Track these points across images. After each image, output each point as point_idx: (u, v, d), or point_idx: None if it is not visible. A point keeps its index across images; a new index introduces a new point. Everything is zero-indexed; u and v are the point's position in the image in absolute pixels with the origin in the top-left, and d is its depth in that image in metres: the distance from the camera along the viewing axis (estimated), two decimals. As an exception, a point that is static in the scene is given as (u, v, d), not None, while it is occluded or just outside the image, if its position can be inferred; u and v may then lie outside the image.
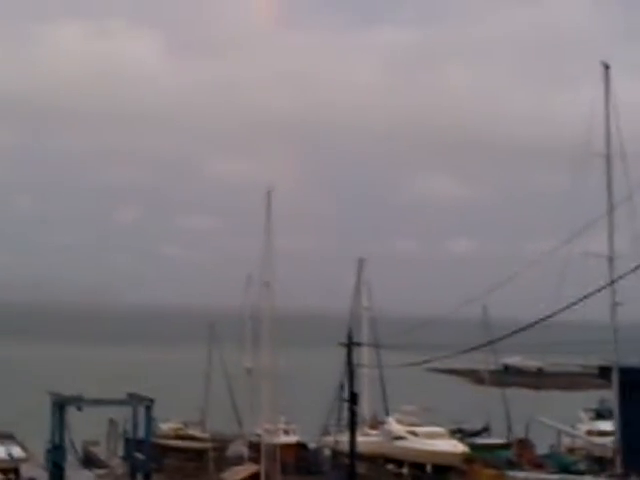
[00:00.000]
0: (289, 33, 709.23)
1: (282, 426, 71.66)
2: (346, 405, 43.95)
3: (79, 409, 61.23)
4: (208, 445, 71.99)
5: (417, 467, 68.69)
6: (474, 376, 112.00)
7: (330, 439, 70.12)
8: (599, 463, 63.32)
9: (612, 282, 50.36)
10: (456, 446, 68.91)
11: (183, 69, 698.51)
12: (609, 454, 58.44)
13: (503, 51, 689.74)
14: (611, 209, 53.16)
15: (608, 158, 54.92)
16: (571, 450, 71.33)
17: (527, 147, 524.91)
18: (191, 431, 77.34)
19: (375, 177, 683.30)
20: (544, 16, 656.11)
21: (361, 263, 77.76)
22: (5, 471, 62.64)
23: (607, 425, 65.98)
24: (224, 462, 69.89)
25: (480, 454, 68.51)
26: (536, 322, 30.38)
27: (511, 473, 58.03)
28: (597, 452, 65.92)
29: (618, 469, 54.70)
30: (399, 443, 70.93)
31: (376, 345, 70.52)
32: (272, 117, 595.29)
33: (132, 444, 65.05)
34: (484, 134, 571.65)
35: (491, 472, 59.50)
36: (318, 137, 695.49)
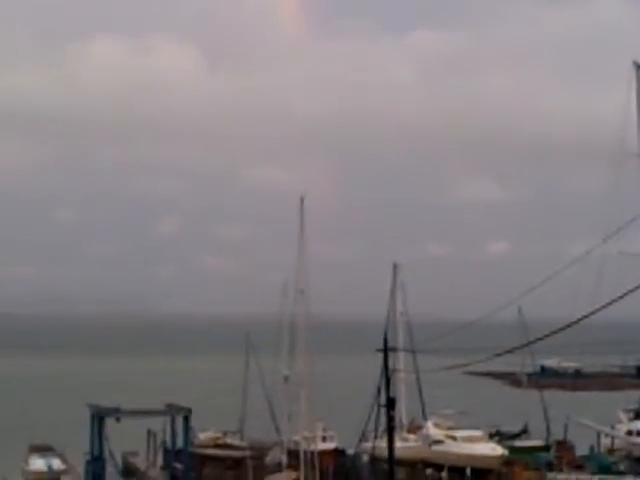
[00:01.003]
0: (322, 41, 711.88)
1: (320, 433, 71.61)
2: (383, 410, 43.91)
3: (117, 420, 61.60)
4: (246, 453, 72.06)
5: (456, 471, 68.44)
6: (511, 378, 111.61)
7: (368, 445, 70.02)
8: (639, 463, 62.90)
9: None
10: (495, 449, 68.63)
11: (220, 82, 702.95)
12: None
13: (539, 53, 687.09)
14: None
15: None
16: (611, 451, 70.89)
17: (564, 147, 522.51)
18: (229, 440, 77.49)
19: (410, 182, 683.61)
20: (579, 17, 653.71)
21: (396, 268, 77.66)
22: (46, 483, 63.09)
23: (647, 425, 65.55)
24: (263, 470, 69.95)
25: (519, 457, 68.20)
26: (573, 323, 30.24)
27: (551, 475, 57.71)
28: (637, 452, 65.46)
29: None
30: (438, 447, 70.72)
31: (412, 350, 70.39)
32: (307, 124, 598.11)
33: (171, 454, 65.34)
34: (520, 135, 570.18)
35: (531, 474, 59.25)
36: (353, 143, 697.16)
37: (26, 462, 66.21)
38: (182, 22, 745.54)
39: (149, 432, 71.02)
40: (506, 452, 68.19)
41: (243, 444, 75.47)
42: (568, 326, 30.39)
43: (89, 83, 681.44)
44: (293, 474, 65.57)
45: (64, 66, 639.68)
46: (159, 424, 67.99)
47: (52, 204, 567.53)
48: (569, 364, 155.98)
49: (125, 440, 68.61)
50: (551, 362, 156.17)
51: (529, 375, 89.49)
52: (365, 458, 71.94)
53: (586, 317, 29.92)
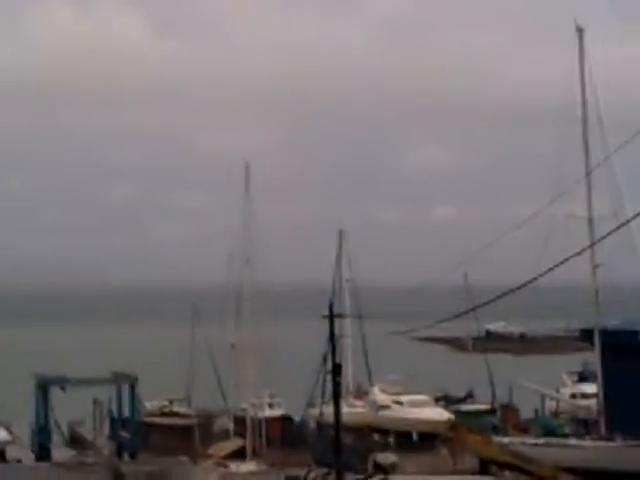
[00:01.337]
0: (272, 6, 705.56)
1: (267, 400, 71.73)
2: (330, 377, 43.96)
3: (63, 389, 61.16)
4: (194, 421, 72.01)
5: (403, 436, 68.89)
6: (457, 343, 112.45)
7: (315, 411, 70.20)
8: (584, 426, 63.62)
9: (592, 244, 50.51)
10: (441, 413, 69.09)
11: (169, 47, 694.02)
12: (593, 416, 58.73)
13: (487, 17, 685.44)
14: (588, 172, 53.23)
15: (584, 121, 55.00)
16: (555, 414, 71.65)
17: (513, 111, 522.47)
18: (176, 408, 77.33)
19: (358, 146, 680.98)
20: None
21: (341, 235, 77.72)
22: (-9, 454, 62.57)
23: (590, 387, 66.26)
24: (210, 438, 69.95)
25: (465, 420, 68.72)
26: (518, 287, 30.38)
27: (496, 438, 58.24)
28: (581, 415, 66.24)
29: (602, 431, 55.01)
30: (384, 412, 71.08)
31: (358, 316, 70.58)
32: (259, 88, 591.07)
33: (117, 423, 65.02)
34: (466, 100, 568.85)
35: (477, 438, 59.66)
36: (306, 107, 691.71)
37: (-30, 433, 65.58)
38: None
39: (95, 401, 70.61)
40: (452, 416, 68.70)
41: (190, 412, 75.38)
42: (512, 291, 30.57)
43: (39, 47, 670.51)
44: (240, 441, 65.64)
45: (13, 29, 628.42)
46: (106, 393, 67.60)
47: (4, 170, 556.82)
48: (514, 328, 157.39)
49: (71, 409, 68.18)
50: (496, 326, 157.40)
51: (474, 339, 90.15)
52: (312, 424, 72.17)
53: (530, 282, 30.10)
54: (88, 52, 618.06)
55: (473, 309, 52.02)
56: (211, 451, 65.40)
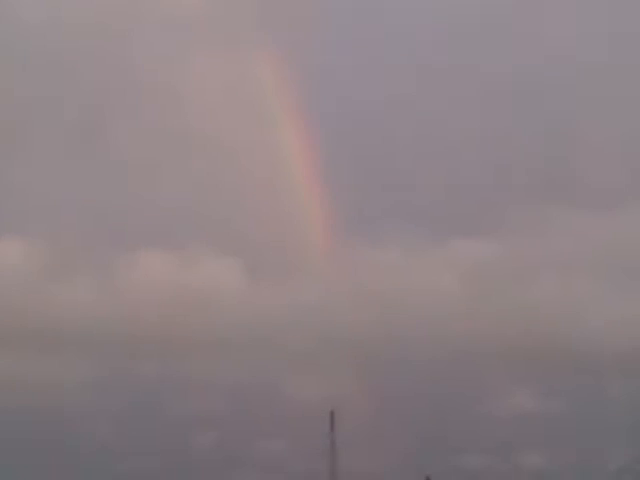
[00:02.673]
0: (358, 250, 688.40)
1: None
2: None
3: None
4: None
5: None
6: None
7: None
8: None
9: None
10: None
11: (258, 292, 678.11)
12: None
13: (583, 259, 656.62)
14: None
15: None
16: None
17: (602, 356, 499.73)
18: None
19: (446, 391, 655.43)
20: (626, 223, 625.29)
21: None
22: None
23: None
24: None
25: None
26: None
27: None
28: None
29: None
30: None
31: None
32: (342, 334, 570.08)
33: None
34: (555, 343, 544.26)
35: None
36: (391, 353, 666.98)
37: None
38: (226, 235, 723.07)
39: None
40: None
41: None
42: None
43: (130, 297, 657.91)
44: None
45: (105, 280, 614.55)
46: None
47: (90, 421, 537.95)
48: None
49: None
50: None
51: None
52: None
53: None
54: (180, 300, 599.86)
55: None
56: None
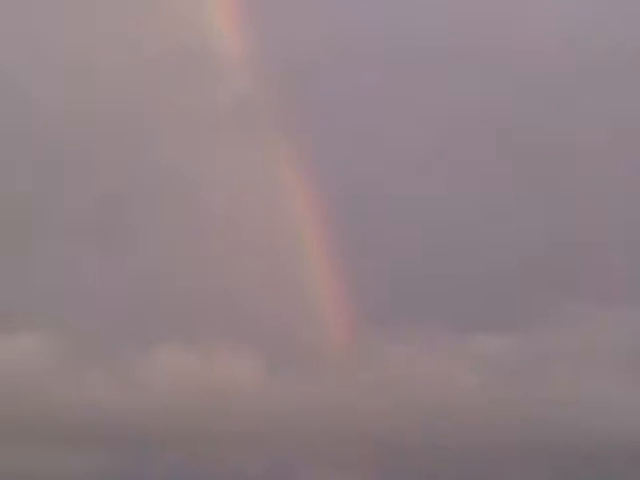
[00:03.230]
0: (378, 342, 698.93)
1: None
2: None
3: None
4: None
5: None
6: None
7: None
8: None
9: None
10: None
11: (282, 386, 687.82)
12: None
13: (604, 351, 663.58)
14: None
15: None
16: None
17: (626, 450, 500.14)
18: None
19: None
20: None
21: None
22: None
23: None
24: None
25: None
26: None
27: None
28: None
29: None
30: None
31: None
32: (363, 427, 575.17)
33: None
34: (578, 435, 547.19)
35: None
36: (409, 446, 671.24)
37: None
38: (241, 328, 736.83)
39: None
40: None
41: None
42: None
43: (147, 391, 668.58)
44: None
45: (122, 374, 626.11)
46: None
47: None
48: None
49: None
50: None
51: None
52: None
53: None
54: (198, 391, 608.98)
55: None
56: None
